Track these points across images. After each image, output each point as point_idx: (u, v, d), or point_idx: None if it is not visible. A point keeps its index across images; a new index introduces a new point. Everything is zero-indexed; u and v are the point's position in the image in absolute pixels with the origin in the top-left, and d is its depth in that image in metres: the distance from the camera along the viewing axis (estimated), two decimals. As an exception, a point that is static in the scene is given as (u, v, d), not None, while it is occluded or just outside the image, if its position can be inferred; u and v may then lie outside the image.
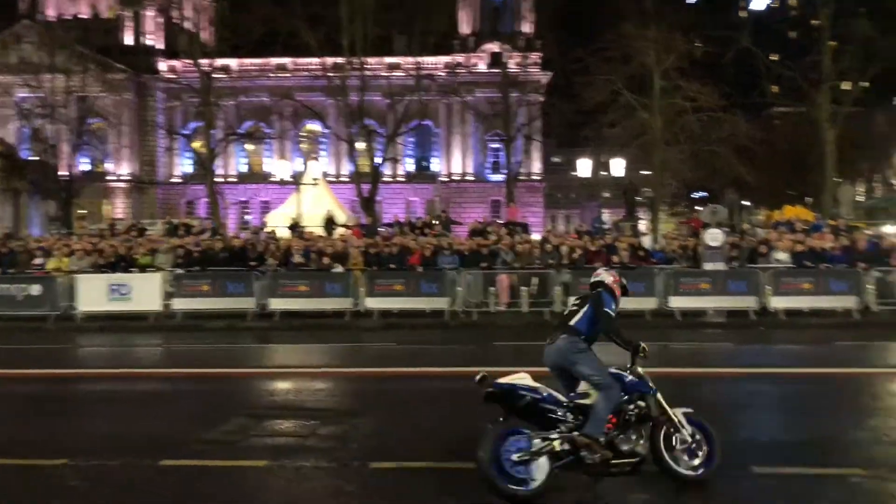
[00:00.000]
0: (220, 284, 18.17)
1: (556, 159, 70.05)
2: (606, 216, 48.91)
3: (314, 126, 56.92)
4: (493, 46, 55.98)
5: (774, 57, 34.36)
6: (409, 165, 60.71)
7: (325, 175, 44.86)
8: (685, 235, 21.87)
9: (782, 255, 17.98)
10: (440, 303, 17.77)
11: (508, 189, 43.56)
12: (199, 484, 6.72)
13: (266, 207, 51.65)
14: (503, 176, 47.50)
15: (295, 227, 26.16)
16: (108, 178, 57.98)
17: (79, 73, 43.08)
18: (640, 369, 6.33)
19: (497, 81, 48.56)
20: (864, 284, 17.24)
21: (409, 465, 7.03)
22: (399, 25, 40.02)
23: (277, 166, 55.30)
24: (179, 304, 18.15)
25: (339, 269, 18.42)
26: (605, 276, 6.61)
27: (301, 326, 17.17)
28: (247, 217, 56.90)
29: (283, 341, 16.16)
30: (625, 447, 6.10)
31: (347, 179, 48.47)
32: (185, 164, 60.56)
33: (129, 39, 59.29)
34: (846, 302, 17.23)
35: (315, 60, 39.79)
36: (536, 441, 5.87)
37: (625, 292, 6.57)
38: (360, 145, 37.78)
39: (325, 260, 18.57)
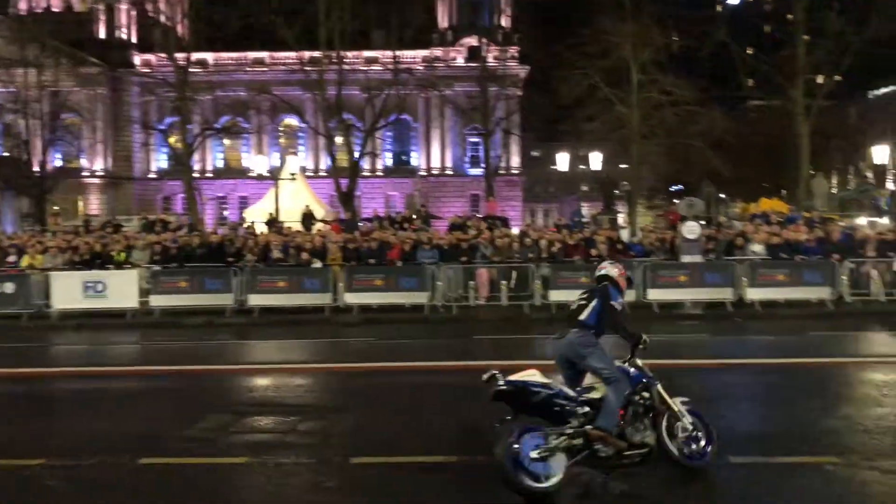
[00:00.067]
0: (198, 281, 18.02)
1: (534, 153, 70.16)
2: (585, 210, 49.13)
3: (292, 120, 56.53)
4: (471, 40, 55.80)
5: (750, 51, 34.69)
6: (388, 160, 60.50)
7: (304, 170, 44.60)
8: (663, 228, 22.07)
9: (758, 248, 18.19)
10: (420, 297, 17.77)
11: (487, 183, 43.58)
12: (178, 482, 6.68)
13: (244, 203, 51.24)
14: (482, 170, 47.54)
15: (273, 222, 26.00)
16: (82, 173, 57.14)
17: (51, 68, 42.36)
18: (639, 361, 6.43)
19: (475, 75, 48.46)
20: (837, 275, 17.50)
21: (391, 459, 7.04)
22: (377, 19, 39.82)
23: (255, 161, 54.69)
24: (157, 300, 17.98)
25: (317, 264, 18.34)
26: (611, 269, 6.69)
27: (280, 322, 17.09)
28: (224, 213, 56.41)
29: (262, 337, 16.07)
30: (635, 438, 6.20)
31: (326, 174, 48.17)
32: (161, 160, 59.86)
33: (102, 33, 58.44)
34: (820, 293, 17.48)
35: (292, 54, 39.47)
36: (553, 437, 5.91)
37: (629, 284, 6.71)
38: (339, 140, 37.60)
39: (304, 255, 18.48)
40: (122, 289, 17.90)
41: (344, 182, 34.18)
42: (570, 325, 6.37)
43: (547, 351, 6.47)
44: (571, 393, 6.16)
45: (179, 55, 34.92)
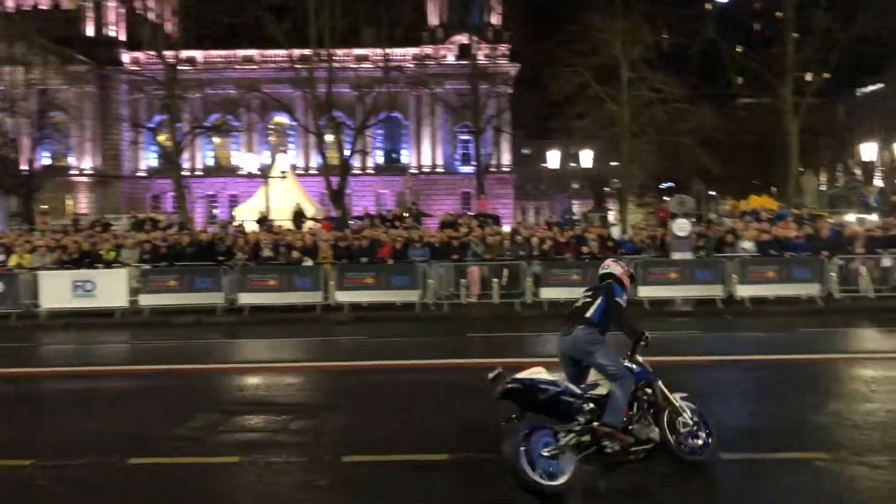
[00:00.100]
0: (188, 279, 17.95)
1: (525, 151, 70.23)
2: (576, 207, 49.18)
3: (282, 118, 56.35)
4: (462, 38, 55.84)
5: (739, 49, 34.80)
6: (379, 158, 60.41)
7: (294, 168, 44.53)
8: (653, 226, 22.11)
9: (748, 245, 18.28)
10: (411, 295, 17.75)
11: (478, 181, 43.59)
12: (169, 481, 6.64)
13: (234, 201, 51.07)
14: (473, 168, 47.51)
15: (263, 220, 25.91)
16: (70, 172, 56.80)
17: (39, 66, 42.05)
18: (639, 357, 6.47)
19: (466, 73, 48.47)
20: (826, 272, 17.59)
21: (382, 458, 7.03)
22: (367, 17, 39.73)
23: (245, 159, 54.60)
24: (146, 299, 17.89)
25: (308, 262, 18.30)
26: (615, 267, 6.73)
27: (271, 321, 17.03)
28: (214, 211, 56.19)
29: (252, 336, 16.01)
30: (640, 434, 6.25)
31: (316, 172, 48.07)
32: (150, 158, 59.57)
33: (90, 31, 58.07)
34: (810, 289, 17.58)
35: (282, 52, 39.38)
36: (562, 434, 5.92)
37: (632, 281, 6.78)
38: (329, 138, 37.51)
39: (295, 254, 18.43)
40: (111, 288, 17.80)
41: (334, 180, 34.10)
42: (575, 322, 6.37)
43: (551, 347, 6.45)
44: (577, 390, 6.18)
45: (168, 53, 34.75)
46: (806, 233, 18.65)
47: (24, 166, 41.51)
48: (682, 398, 6.59)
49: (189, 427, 8.22)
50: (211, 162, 61.23)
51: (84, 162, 57.83)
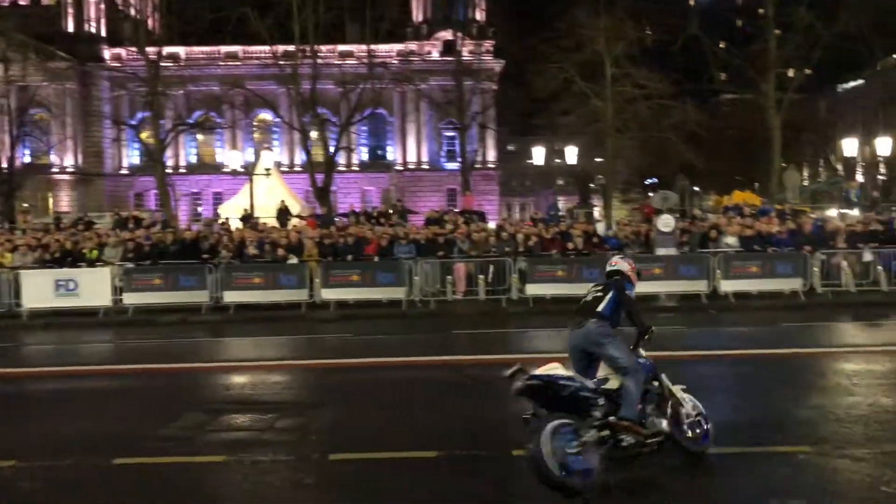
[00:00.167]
0: (173, 278, 17.84)
1: (510, 147, 70.30)
2: (561, 204, 49.38)
3: (266, 115, 56.04)
4: (446, 34, 55.77)
5: (722, 45, 35.04)
6: (364, 154, 60.24)
7: (279, 165, 44.25)
8: (638, 221, 22.21)
9: (731, 240, 18.40)
10: (397, 292, 17.74)
11: (464, 177, 43.59)
12: (154, 481, 6.60)
13: (218, 199, 50.72)
14: (458, 164, 47.54)
15: (248, 218, 25.79)
16: (52, 170, 56.17)
17: (19, 62, 41.56)
18: (642, 351, 6.53)
19: (450, 69, 48.45)
20: (809, 267, 17.75)
21: (369, 455, 7.02)
22: (351, 13, 39.57)
23: (229, 156, 54.31)
24: (130, 298, 17.76)
25: (293, 260, 18.23)
26: (622, 264, 6.81)
27: (256, 319, 16.97)
28: (199, 209, 55.81)
29: (238, 334, 15.93)
30: (653, 427, 6.33)
31: (301, 169, 47.85)
32: (133, 156, 59.06)
33: (70, 27, 57.44)
34: (792, 284, 17.73)
35: (266, 48, 39.11)
36: (584, 430, 5.93)
37: (638, 277, 6.87)
38: (314, 134, 37.33)
39: (280, 251, 18.36)
40: (94, 287, 17.65)
41: (319, 177, 33.97)
42: (586, 315, 6.41)
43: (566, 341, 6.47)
44: (591, 385, 6.21)
45: (150, 49, 34.47)
46: (788, 228, 18.80)
47: (4, 164, 41.04)
48: (682, 390, 6.71)
49: (175, 426, 8.17)
50: (194, 159, 60.80)
51: (66, 160, 57.24)
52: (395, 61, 51.85)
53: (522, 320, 16.41)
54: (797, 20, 30.02)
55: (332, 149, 35.75)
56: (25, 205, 41.75)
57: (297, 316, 17.28)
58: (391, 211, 26.52)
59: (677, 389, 6.66)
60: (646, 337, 6.44)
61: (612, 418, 6.08)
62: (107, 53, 57.69)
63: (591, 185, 52.01)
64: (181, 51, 52.75)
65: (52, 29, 54.17)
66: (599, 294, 6.53)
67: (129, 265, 18.26)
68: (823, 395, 9.16)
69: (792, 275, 17.72)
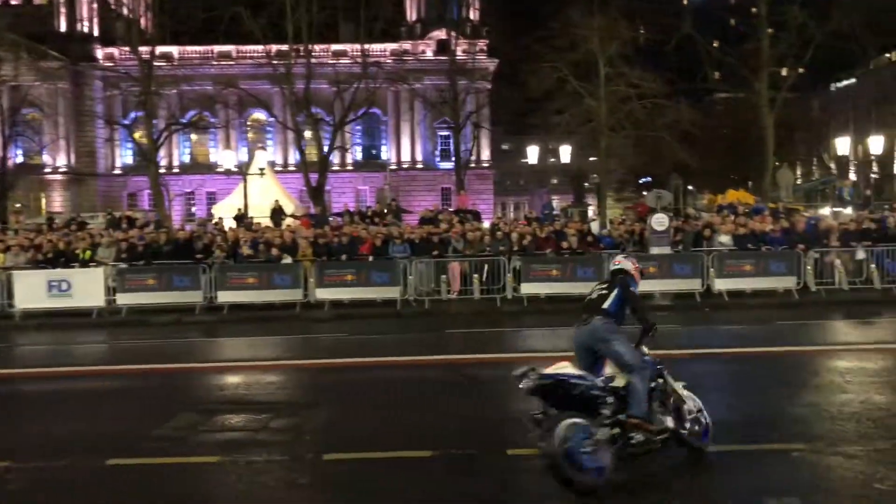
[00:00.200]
0: (166, 278, 17.77)
1: (504, 147, 70.39)
2: (555, 203, 49.40)
3: (260, 115, 55.94)
4: (440, 33, 55.72)
5: (715, 44, 35.12)
6: (358, 154, 60.15)
7: (272, 164, 44.18)
8: (632, 220, 22.25)
9: (725, 238, 18.45)
10: (392, 292, 17.72)
11: (458, 177, 43.57)
12: (148, 482, 6.58)
13: (212, 198, 50.65)
14: (452, 164, 47.51)
15: (242, 218, 25.73)
16: (44, 170, 55.94)
17: (11, 62, 41.34)
18: (644, 348, 6.55)
19: (444, 69, 48.42)
20: (802, 265, 17.80)
21: (364, 455, 7.01)
22: (345, 12, 39.50)
23: (223, 156, 54.18)
24: (124, 299, 17.69)
25: (288, 260, 18.19)
26: (626, 263, 6.89)
27: (250, 319, 16.93)
28: (192, 209, 55.65)
29: (232, 335, 15.89)
30: (659, 424, 6.36)
31: (295, 169, 47.79)
32: (126, 156, 58.84)
33: (63, 26, 57.20)
34: (786, 282, 17.78)
35: (259, 48, 39.03)
36: (595, 429, 5.94)
37: (641, 276, 6.95)
38: (308, 134, 37.28)
39: (274, 251, 18.32)
40: (87, 287, 17.58)
41: (313, 177, 33.92)
42: (592, 313, 6.43)
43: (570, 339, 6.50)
44: (600, 383, 6.23)
45: (143, 48, 34.35)
46: (782, 226, 18.85)
47: (-4, 164, 40.81)
48: (682, 387, 6.76)
49: (169, 427, 8.15)
50: (188, 159, 60.65)
51: (58, 159, 57.01)
52: (389, 61, 51.84)
53: (517, 319, 16.42)
54: (790, 19, 30.13)
55: (326, 148, 35.69)
56: (18, 205, 41.45)
57: (292, 316, 17.25)
58: (385, 210, 26.51)
59: (678, 386, 6.72)
60: (650, 334, 6.49)
61: (621, 416, 6.10)
62: (99, 53, 57.49)
63: (586, 184, 52.10)
64: (174, 50, 52.60)
65: (45, 28, 53.91)
66: (604, 292, 6.59)
67: (123, 265, 18.19)
68: (817, 392, 9.19)
69: (785, 273, 17.77)
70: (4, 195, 39.45)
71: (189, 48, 54.94)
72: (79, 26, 56.72)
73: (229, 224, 24.06)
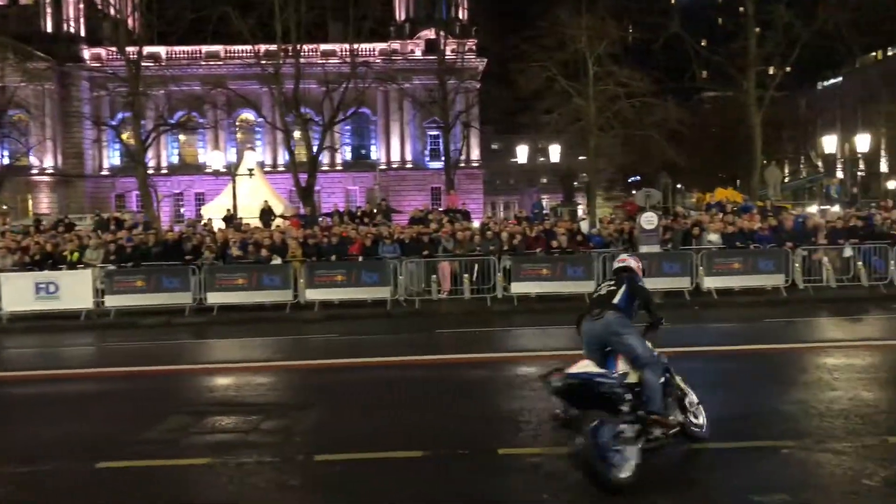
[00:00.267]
0: (155, 280, 17.69)
1: (494, 146, 70.50)
2: (545, 202, 49.50)
3: (249, 115, 55.76)
4: (429, 33, 55.71)
5: (703, 43, 35.29)
6: (347, 154, 60.06)
7: (262, 165, 44.06)
8: (621, 219, 22.32)
9: (714, 237, 18.54)
10: (382, 292, 17.71)
11: (448, 176, 43.57)
12: (138, 485, 6.55)
13: (201, 199, 50.42)
14: (442, 163, 47.52)
15: (231, 218, 25.63)
16: (31, 171, 55.52)
17: (-4, 63, 41.08)
18: (649, 344, 6.58)
19: (433, 68, 48.41)
20: (790, 263, 17.92)
21: (355, 456, 7.00)
22: (333, 12, 39.39)
23: (211, 157, 54.00)
24: (112, 301, 17.59)
25: (277, 260, 18.14)
26: (631, 261, 6.95)
27: (240, 320, 16.87)
28: (181, 210, 55.40)
29: (222, 336, 15.84)
30: (672, 418, 6.44)
31: (284, 169, 47.70)
32: (113, 157, 58.54)
33: (49, 27, 56.80)
34: (774, 280, 17.89)
35: (248, 48, 38.90)
36: (621, 426, 5.96)
37: (644, 274, 7.02)
38: (297, 134, 37.17)
39: (264, 252, 18.27)
40: (75, 289, 17.48)
41: (303, 177, 33.82)
42: (604, 307, 6.46)
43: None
44: (618, 380, 6.24)
45: (130, 49, 34.13)
46: (770, 224, 18.96)
47: (-19, 166, 40.52)
48: (682, 381, 6.85)
49: (159, 429, 8.12)
50: (176, 160, 60.38)
51: (45, 161, 56.60)
52: (379, 60, 51.76)
53: (507, 319, 16.45)
54: (777, 18, 30.32)
55: (315, 148, 35.59)
56: (4, 207, 41.18)
57: (282, 317, 17.21)
58: (375, 210, 26.47)
59: (679, 380, 6.82)
60: (656, 328, 6.61)
61: (640, 412, 6.13)
62: (86, 53, 57.12)
63: (575, 183, 52.16)
64: (162, 50, 52.31)
65: (31, 29, 53.54)
66: (613, 288, 6.64)
67: (111, 267, 18.09)
68: (805, 389, 9.25)
69: (773, 271, 17.87)
70: (-9, 197, 39.16)
71: (177, 48, 54.65)
72: (65, 27, 56.33)
73: (218, 225, 23.96)
